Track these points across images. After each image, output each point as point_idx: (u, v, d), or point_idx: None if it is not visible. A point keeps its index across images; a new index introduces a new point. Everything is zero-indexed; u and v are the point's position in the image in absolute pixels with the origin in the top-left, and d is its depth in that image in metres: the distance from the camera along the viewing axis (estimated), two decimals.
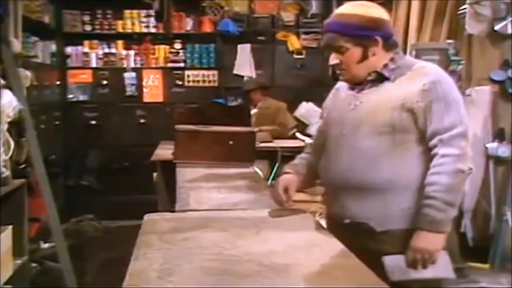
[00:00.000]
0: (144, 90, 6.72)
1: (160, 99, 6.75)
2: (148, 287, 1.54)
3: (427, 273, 2.04)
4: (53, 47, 6.20)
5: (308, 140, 2.52)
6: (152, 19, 6.71)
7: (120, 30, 6.72)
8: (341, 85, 2.30)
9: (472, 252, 3.93)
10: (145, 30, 6.75)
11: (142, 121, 6.67)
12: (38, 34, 5.41)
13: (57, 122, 6.14)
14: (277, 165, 4.90)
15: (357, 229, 2.12)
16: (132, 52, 6.74)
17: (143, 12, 6.71)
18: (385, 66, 2.13)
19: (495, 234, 3.95)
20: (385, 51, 2.14)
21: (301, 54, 6.73)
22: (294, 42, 6.71)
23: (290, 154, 3.67)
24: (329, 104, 2.35)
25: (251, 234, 2.07)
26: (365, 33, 2.09)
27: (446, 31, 4.67)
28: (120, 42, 6.73)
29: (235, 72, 6.71)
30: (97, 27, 6.71)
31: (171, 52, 6.76)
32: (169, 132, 4.26)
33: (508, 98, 4.02)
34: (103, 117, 6.66)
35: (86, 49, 6.69)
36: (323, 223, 2.38)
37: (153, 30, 6.75)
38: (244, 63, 6.72)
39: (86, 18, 6.68)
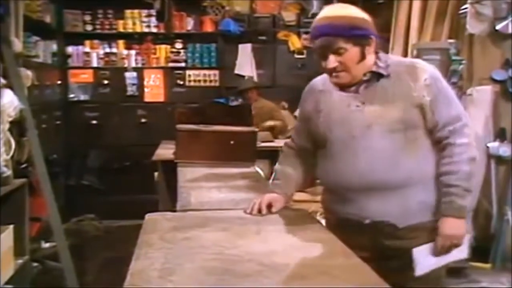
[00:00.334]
0: (145, 89, 6.73)
1: (161, 98, 6.76)
2: (149, 286, 1.54)
3: (452, 257, 2.17)
4: (54, 46, 6.20)
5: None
6: (153, 19, 6.72)
7: (121, 29, 6.72)
8: (326, 87, 2.24)
9: (473, 252, 3.92)
10: (146, 29, 6.75)
11: (143, 120, 6.68)
12: (39, 33, 5.41)
13: (58, 122, 6.14)
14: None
15: (379, 228, 2.14)
16: (133, 52, 6.74)
17: (144, 12, 6.72)
18: (377, 64, 2.13)
19: (496, 234, 3.95)
20: (374, 51, 2.15)
21: (302, 53, 6.73)
22: (295, 42, 6.71)
23: None
24: (322, 106, 2.24)
25: (251, 233, 2.07)
26: (361, 32, 2.09)
27: (447, 31, 4.67)
28: (121, 42, 6.73)
29: (236, 72, 6.72)
30: (98, 26, 6.71)
31: (172, 52, 6.77)
32: (170, 132, 4.26)
33: (509, 97, 4.02)
34: (104, 116, 6.66)
35: (87, 49, 6.70)
36: (324, 222, 2.38)
37: (154, 30, 6.75)
38: (245, 63, 6.72)
39: (87, 17, 6.69)
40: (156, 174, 4.73)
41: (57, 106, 6.25)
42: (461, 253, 2.18)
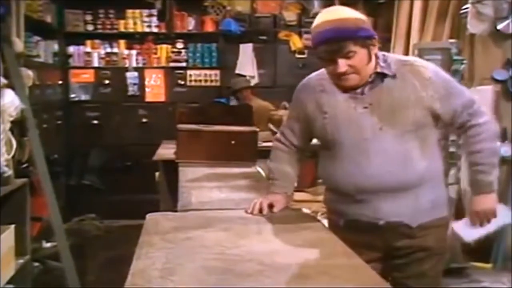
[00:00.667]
0: (146, 89, 6.73)
1: (162, 98, 6.75)
2: (150, 286, 1.54)
3: (492, 226, 2.27)
4: (55, 46, 6.21)
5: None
6: (154, 19, 6.72)
7: (122, 29, 6.72)
8: (328, 88, 2.20)
9: (474, 252, 3.92)
10: (147, 29, 6.74)
11: (144, 120, 6.68)
12: (40, 33, 5.42)
13: (59, 122, 6.15)
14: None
15: (393, 228, 2.15)
16: (134, 52, 6.74)
17: (145, 12, 6.71)
18: (379, 64, 2.13)
19: (498, 234, 3.94)
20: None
21: (303, 53, 6.72)
22: (296, 42, 6.71)
23: None
24: (327, 108, 2.19)
25: (252, 233, 2.07)
26: (367, 34, 2.08)
27: (448, 31, 4.66)
28: (122, 42, 6.73)
29: (237, 71, 6.70)
30: (99, 26, 6.71)
31: (173, 52, 6.76)
32: (171, 132, 4.27)
33: (510, 97, 4.01)
34: (105, 116, 6.66)
35: (88, 49, 6.70)
36: (325, 222, 2.38)
37: (155, 30, 6.75)
38: (246, 63, 6.72)
39: (88, 17, 6.69)
40: (157, 174, 4.73)
41: (58, 106, 6.25)
42: (504, 219, 2.34)
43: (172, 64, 6.76)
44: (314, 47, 2.13)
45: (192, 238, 1.99)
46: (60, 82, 6.39)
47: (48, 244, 4.16)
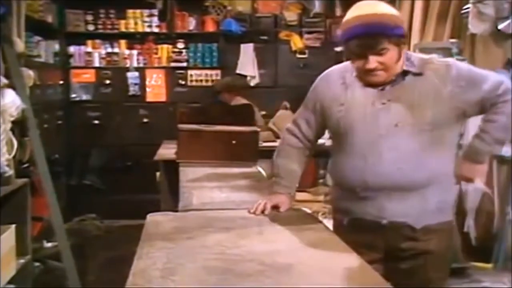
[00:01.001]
0: (147, 89, 6.72)
1: (163, 98, 6.75)
2: (151, 286, 1.54)
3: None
4: (56, 46, 6.21)
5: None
6: (155, 19, 6.71)
7: (123, 29, 6.71)
8: (348, 81, 2.18)
9: (475, 252, 3.92)
10: (148, 29, 6.74)
11: (145, 120, 6.67)
12: (41, 33, 5.42)
13: (60, 122, 6.15)
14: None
15: (396, 229, 2.12)
16: (135, 52, 6.73)
17: (146, 12, 6.71)
18: (407, 63, 2.10)
19: (499, 234, 3.94)
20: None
21: (304, 53, 6.72)
22: (297, 42, 6.71)
23: None
24: (343, 101, 2.17)
25: (253, 233, 2.07)
26: (401, 32, 2.04)
27: (449, 31, 4.66)
28: (123, 42, 6.73)
29: (238, 71, 6.71)
30: (100, 26, 6.71)
31: (174, 52, 6.76)
32: (172, 132, 4.27)
33: None
34: (106, 116, 6.66)
35: (89, 49, 6.69)
36: (326, 222, 2.38)
37: (156, 30, 6.75)
38: (247, 63, 6.72)
39: (89, 17, 6.69)
40: (158, 174, 4.73)
41: (59, 106, 6.25)
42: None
43: (173, 64, 6.75)
44: (345, 40, 2.07)
45: (193, 238, 1.99)
46: (61, 82, 6.39)
47: (49, 244, 4.16)
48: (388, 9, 2.05)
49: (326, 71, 2.34)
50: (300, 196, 3.81)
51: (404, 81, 2.09)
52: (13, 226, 3.13)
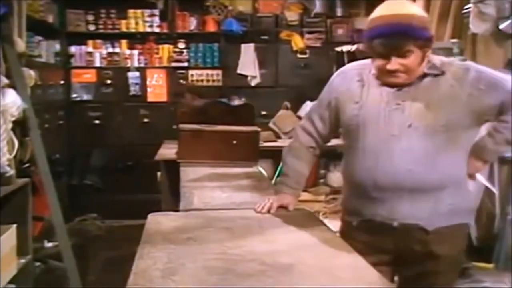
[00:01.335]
0: (148, 89, 6.71)
1: (163, 98, 6.74)
2: (151, 286, 1.54)
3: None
4: (57, 46, 6.21)
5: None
6: (156, 19, 6.71)
7: (124, 29, 6.71)
8: (365, 79, 2.14)
9: (476, 252, 3.92)
10: (149, 29, 6.73)
11: (145, 120, 6.67)
12: (42, 33, 5.42)
13: (61, 122, 6.14)
14: (281, 164, 4.90)
15: (407, 231, 2.09)
16: (136, 52, 6.73)
17: (147, 12, 6.71)
18: (429, 65, 2.06)
19: (499, 234, 3.94)
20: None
21: (305, 53, 6.72)
22: (297, 42, 6.70)
23: None
24: (358, 99, 2.14)
25: (254, 233, 2.07)
26: (428, 34, 2.00)
27: (450, 30, 4.65)
28: (124, 42, 6.73)
29: (238, 71, 6.71)
30: (101, 26, 6.70)
31: (174, 52, 6.76)
32: (173, 132, 4.26)
33: None
34: (107, 116, 6.66)
35: (90, 49, 6.69)
36: (327, 222, 2.37)
37: (157, 30, 6.74)
38: (248, 63, 6.72)
39: (90, 17, 6.68)
40: (159, 174, 4.73)
41: (60, 105, 6.25)
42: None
43: (173, 64, 6.75)
44: (369, 38, 2.02)
45: (194, 238, 1.99)
46: (62, 82, 6.39)
47: (50, 244, 4.16)
48: (416, 10, 2.01)
49: (343, 67, 2.31)
50: (301, 195, 3.80)
51: (421, 82, 2.06)
52: (14, 226, 3.13)
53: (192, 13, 6.78)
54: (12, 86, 3.37)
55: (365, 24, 2.11)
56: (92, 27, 6.70)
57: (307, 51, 6.70)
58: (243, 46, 6.72)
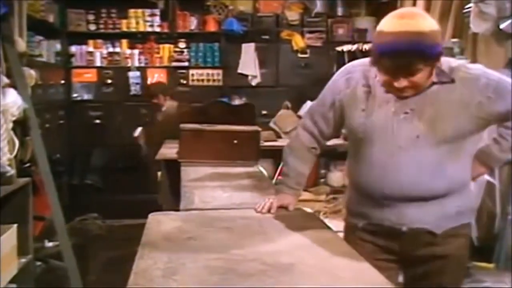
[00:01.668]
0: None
1: None
2: (152, 286, 1.54)
3: None
4: (58, 46, 6.22)
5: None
6: (156, 18, 6.72)
7: (125, 29, 6.72)
8: (370, 84, 2.07)
9: (477, 252, 3.92)
10: (149, 29, 6.75)
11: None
12: (42, 33, 5.42)
13: (61, 121, 6.15)
14: (281, 164, 4.89)
15: (416, 235, 2.08)
16: (136, 51, 6.74)
17: (148, 11, 6.72)
18: (437, 74, 1.97)
19: (500, 234, 3.94)
20: None
21: (305, 53, 6.73)
22: (298, 41, 6.71)
23: None
24: (364, 106, 2.08)
25: (255, 233, 2.07)
26: (439, 49, 1.89)
27: (451, 30, 4.66)
28: (124, 41, 6.74)
29: (239, 71, 6.72)
30: (102, 26, 6.72)
31: (175, 51, 6.77)
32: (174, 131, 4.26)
33: None
34: (107, 116, 6.67)
35: (91, 48, 6.71)
36: (328, 222, 2.37)
37: (157, 29, 6.76)
38: (249, 62, 6.72)
39: (91, 17, 6.70)
40: (159, 173, 4.73)
41: (61, 105, 6.26)
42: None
43: (174, 64, 6.76)
44: (377, 54, 1.90)
45: (195, 238, 1.99)
46: (63, 81, 6.40)
47: (51, 244, 4.16)
48: (429, 24, 1.87)
49: (347, 66, 2.22)
50: (302, 195, 3.80)
51: (430, 89, 1.99)
52: (15, 225, 3.13)
53: (192, 13, 6.79)
54: (12, 85, 3.38)
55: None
56: (92, 27, 6.71)
57: (308, 50, 6.72)
58: (243, 45, 6.72)
